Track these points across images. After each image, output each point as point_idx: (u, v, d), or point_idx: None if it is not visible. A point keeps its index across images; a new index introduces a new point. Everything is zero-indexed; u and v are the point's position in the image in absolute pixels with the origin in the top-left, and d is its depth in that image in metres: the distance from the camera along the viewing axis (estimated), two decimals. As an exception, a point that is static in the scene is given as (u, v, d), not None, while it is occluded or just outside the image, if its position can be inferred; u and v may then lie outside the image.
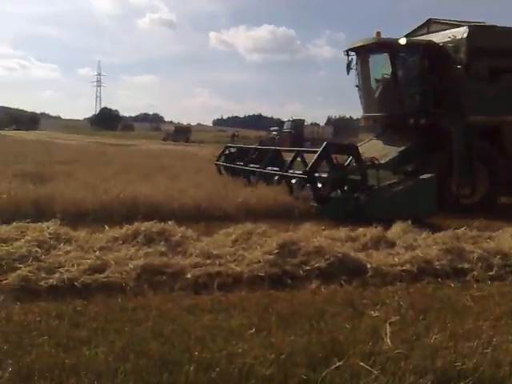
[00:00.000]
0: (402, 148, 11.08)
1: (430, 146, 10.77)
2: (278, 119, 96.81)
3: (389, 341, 3.62)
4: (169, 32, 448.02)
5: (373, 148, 11.73)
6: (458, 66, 10.82)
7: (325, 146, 9.23)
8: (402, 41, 10.88)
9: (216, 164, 13.54)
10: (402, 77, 11.26)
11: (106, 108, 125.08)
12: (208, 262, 5.46)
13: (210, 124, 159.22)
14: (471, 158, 10.52)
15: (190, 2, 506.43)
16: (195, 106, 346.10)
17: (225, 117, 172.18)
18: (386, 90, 11.60)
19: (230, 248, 5.95)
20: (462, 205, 10.40)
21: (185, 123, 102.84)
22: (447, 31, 11.31)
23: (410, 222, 7.25)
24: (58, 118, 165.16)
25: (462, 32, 10.97)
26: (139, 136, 66.34)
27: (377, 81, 11.87)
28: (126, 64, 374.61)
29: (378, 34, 11.16)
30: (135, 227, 6.24)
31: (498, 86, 10.86)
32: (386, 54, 11.26)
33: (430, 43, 11.35)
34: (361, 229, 6.90)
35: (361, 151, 11.66)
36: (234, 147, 14.18)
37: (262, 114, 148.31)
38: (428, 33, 11.93)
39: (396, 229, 7.08)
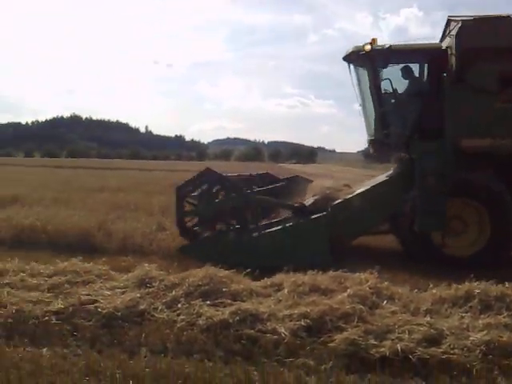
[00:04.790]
0: (376, 182, 8.93)
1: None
2: None
3: None
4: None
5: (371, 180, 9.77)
6: (444, 74, 8.17)
7: (176, 191, 7.96)
8: (366, 46, 8.15)
9: None
10: (384, 94, 8.56)
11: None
12: None
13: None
14: (445, 194, 7.67)
15: None
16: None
17: None
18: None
19: None
20: (446, 257, 7.76)
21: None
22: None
23: None
24: (333, 151, 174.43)
25: (455, 30, 8.10)
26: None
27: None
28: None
29: (374, 41, 8.24)
30: (467, 288, 5.32)
31: (501, 99, 7.79)
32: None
33: (415, 48, 8.46)
34: None
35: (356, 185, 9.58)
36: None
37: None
38: (449, 35, 8.58)
39: None
